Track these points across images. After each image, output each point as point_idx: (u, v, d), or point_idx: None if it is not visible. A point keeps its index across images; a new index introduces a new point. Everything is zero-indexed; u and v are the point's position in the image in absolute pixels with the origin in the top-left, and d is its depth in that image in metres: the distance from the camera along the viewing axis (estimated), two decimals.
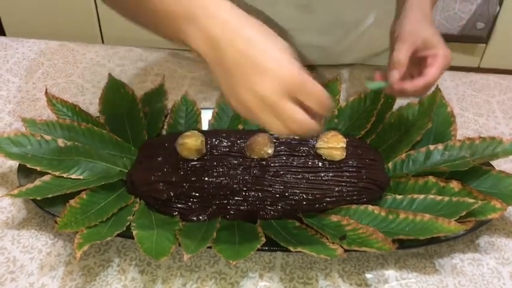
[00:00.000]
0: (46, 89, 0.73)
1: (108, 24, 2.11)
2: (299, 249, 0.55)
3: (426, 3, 0.66)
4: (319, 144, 0.64)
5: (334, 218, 0.61)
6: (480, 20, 1.95)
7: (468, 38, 2.01)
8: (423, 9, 0.65)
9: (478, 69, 2.12)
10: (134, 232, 0.57)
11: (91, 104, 0.83)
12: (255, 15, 0.47)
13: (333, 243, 0.57)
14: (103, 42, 2.15)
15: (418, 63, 0.64)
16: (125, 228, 0.58)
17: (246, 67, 0.45)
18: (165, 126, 0.74)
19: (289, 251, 0.56)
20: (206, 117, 0.74)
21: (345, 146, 0.64)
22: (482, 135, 0.67)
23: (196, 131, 0.66)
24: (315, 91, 0.46)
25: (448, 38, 1.99)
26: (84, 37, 2.06)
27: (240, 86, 0.45)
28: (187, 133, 0.65)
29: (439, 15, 1.88)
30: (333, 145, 0.63)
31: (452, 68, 2.14)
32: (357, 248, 0.56)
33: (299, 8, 0.78)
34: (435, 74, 0.61)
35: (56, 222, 0.57)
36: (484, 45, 2.04)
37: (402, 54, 0.61)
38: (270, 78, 0.44)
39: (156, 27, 0.52)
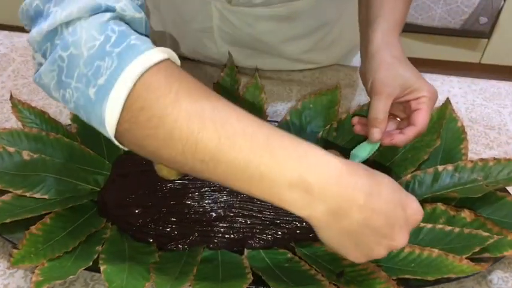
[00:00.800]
0: (11, 93, 0.66)
1: None
2: None
3: (392, 38, 0.56)
4: None
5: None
6: (483, 14, 1.88)
7: (470, 32, 1.94)
8: (391, 48, 0.55)
9: (479, 65, 2.06)
10: (102, 268, 0.50)
11: (65, 108, 0.75)
12: None
13: (330, 282, 0.50)
14: None
15: (401, 104, 0.57)
16: (91, 263, 0.51)
17: (379, 225, 0.41)
18: None
19: None
20: None
21: None
22: (493, 152, 0.61)
23: None
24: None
25: (450, 32, 1.93)
26: None
27: (372, 243, 0.42)
28: None
29: (440, 8, 1.81)
30: None
31: (453, 64, 2.07)
32: None
33: (280, 21, 0.73)
34: (425, 120, 0.54)
35: (10, 255, 0.49)
36: (486, 40, 1.97)
37: (380, 111, 0.54)
38: (405, 230, 0.43)
39: (228, 183, 0.41)
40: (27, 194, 0.57)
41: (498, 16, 1.89)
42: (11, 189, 0.57)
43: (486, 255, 0.53)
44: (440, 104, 0.65)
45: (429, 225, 0.56)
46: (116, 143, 0.42)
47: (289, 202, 0.40)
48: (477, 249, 0.52)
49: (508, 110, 0.79)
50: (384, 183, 0.42)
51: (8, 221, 0.53)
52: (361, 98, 0.79)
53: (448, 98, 0.65)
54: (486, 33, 1.94)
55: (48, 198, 0.58)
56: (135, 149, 0.42)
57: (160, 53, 0.40)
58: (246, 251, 0.55)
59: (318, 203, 0.39)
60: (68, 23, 0.40)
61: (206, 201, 0.56)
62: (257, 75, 0.70)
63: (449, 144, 0.65)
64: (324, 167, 0.40)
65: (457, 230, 0.55)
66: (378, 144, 0.57)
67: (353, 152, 0.58)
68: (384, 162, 0.64)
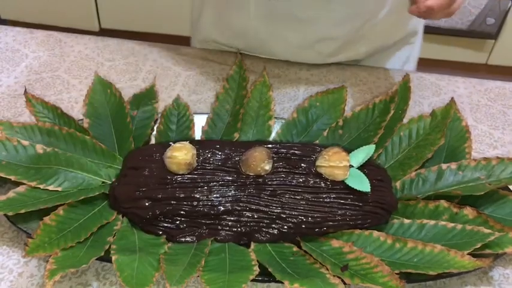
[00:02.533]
0: (25, 88, 0.67)
1: (106, 6, 2.03)
2: (296, 285, 0.49)
3: None
4: (320, 162, 0.58)
5: (336, 244, 0.56)
6: (490, 15, 1.88)
7: (477, 33, 1.94)
8: None
9: (486, 66, 2.06)
10: (113, 257, 0.51)
11: (76, 103, 0.77)
12: None
13: (334, 275, 0.52)
14: (100, 25, 2.08)
15: None
16: (103, 253, 0.52)
17: None
18: (155, 133, 0.68)
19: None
20: (199, 123, 0.68)
21: (348, 164, 0.58)
22: (497, 151, 0.62)
23: (188, 143, 0.60)
24: None
25: (456, 33, 1.94)
26: (79, 22, 1.99)
27: None
28: (177, 145, 0.59)
29: None
30: (335, 163, 0.57)
31: (460, 64, 2.07)
32: (359, 282, 0.51)
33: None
34: None
35: (26, 244, 0.51)
36: (493, 41, 1.98)
37: None
38: None
39: None
40: (41, 186, 0.59)
41: (505, 17, 1.90)
42: (25, 181, 0.58)
43: (487, 251, 0.54)
44: (445, 103, 0.67)
45: (432, 222, 0.57)
46: None
47: None
48: (479, 245, 0.53)
49: None
50: None
51: (22, 211, 0.55)
52: (366, 96, 0.80)
53: (452, 98, 0.66)
54: (493, 34, 1.95)
55: (61, 190, 0.59)
56: None
57: None
58: (252, 245, 0.57)
59: None
60: None
61: (214, 195, 0.57)
62: (265, 73, 0.71)
63: (453, 143, 0.66)
64: None
65: (459, 226, 0.56)
66: (374, 148, 0.60)
67: (351, 154, 0.59)
68: (389, 159, 0.65)
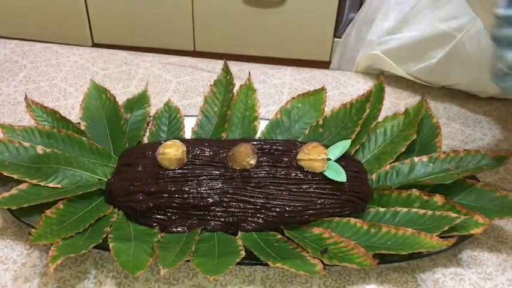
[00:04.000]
0: (25, 95, 0.72)
1: (98, 22, 2.09)
2: (278, 264, 0.54)
3: None
4: (300, 155, 0.63)
5: (316, 231, 0.60)
6: None
7: None
8: None
9: None
10: (111, 245, 0.56)
11: (73, 109, 0.82)
12: None
13: (314, 257, 0.56)
14: (93, 40, 2.13)
15: None
16: (101, 241, 0.57)
17: None
18: (147, 134, 0.72)
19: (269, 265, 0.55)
20: (189, 125, 0.73)
21: (326, 157, 0.63)
22: (468, 147, 0.67)
23: (178, 141, 0.65)
24: None
25: None
26: (72, 38, 2.04)
27: None
28: (169, 142, 0.64)
29: None
30: (314, 157, 0.62)
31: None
32: (337, 263, 0.55)
33: None
34: None
35: (30, 234, 0.55)
36: None
37: None
38: None
39: None
40: (42, 184, 0.63)
41: None
42: (26, 179, 0.63)
43: (455, 233, 0.59)
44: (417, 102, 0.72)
45: (405, 209, 0.62)
46: None
47: None
48: (446, 228, 0.58)
49: (483, 109, 0.85)
50: None
51: (25, 205, 0.59)
52: (346, 98, 0.85)
53: (423, 96, 0.71)
54: None
55: (61, 187, 0.64)
56: None
57: None
58: (239, 233, 0.61)
59: None
60: None
61: (203, 188, 0.62)
62: (250, 77, 0.76)
63: (425, 138, 0.71)
64: None
65: (429, 212, 0.60)
66: (349, 143, 0.65)
67: (329, 149, 0.64)
68: (365, 154, 0.70)
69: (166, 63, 0.93)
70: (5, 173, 0.62)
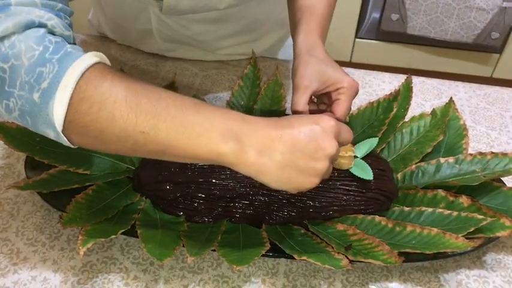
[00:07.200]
0: None
1: None
2: (304, 257, 0.54)
3: (313, 39, 0.62)
4: None
5: (340, 227, 0.61)
6: (495, 29, 1.93)
7: (482, 47, 1.99)
8: (311, 48, 0.61)
9: (491, 79, 2.10)
10: (139, 231, 0.57)
11: None
12: None
13: (338, 253, 0.56)
14: None
15: (325, 96, 0.63)
16: (129, 227, 0.58)
17: (304, 143, 0.49)
18: None
19: (294, 258, 0.55)
20: None
21: (353, 155, 0.63)
22: (494, 151, 0.66)
23: None
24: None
25: (462, 46, 1.99)
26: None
27: (310, 161, 0.49)
28: None
29: (453, 22, 1.87)
30: (341, 154, 0.62)
31: (465, 77, 2.12)
32: (362, 260, 0.56)
33: (212, 23, 0.83)
34: (343, 109, 0.60)
35: (60, 217, 0.56)
36: (498, 55, 2.03)
37: (298, 103, 0.60)
38: (329, 136, 0.50)
39: (170, 150, 0.48)
40: (71, 169, 0.64)
41: (510, 32, 1.94)
42: (56, 164, 0.64)
43: (480, 235, 0.59)
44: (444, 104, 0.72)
45: (430, 209, 0.62)
46: (64, 139, 0.46)
47: (226, 154, 0.47)
48: (472, 229, 0.58)
49: (510, 114, 0.85)
50: (288, 118, 0.50)
51: (56, 189, 0.60)
52: (372, 98, 0.85)
53: (451, 98, 0.71)
54: (498, 48, 2.00)
55: (90, 173, 0.65)
56: (80, 140, 0.47)
57: (94, 57, 0.45)
58: (263, 226, 0.62)
59: (248, 148, 0.47)
60: (3, 38, 0.43)
61: (230, 180, 0.62)
62: (277, 72, 0.77)
63: (451, 139, 0.71)
64: (244, 119, 0.48)
65: (455, 213, 0.60)
66: (377, 141, 0.66)
67: (356, 146, 0.65)
68: (391, 153, 0.70)
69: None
70: (36, 158, 0.64)
